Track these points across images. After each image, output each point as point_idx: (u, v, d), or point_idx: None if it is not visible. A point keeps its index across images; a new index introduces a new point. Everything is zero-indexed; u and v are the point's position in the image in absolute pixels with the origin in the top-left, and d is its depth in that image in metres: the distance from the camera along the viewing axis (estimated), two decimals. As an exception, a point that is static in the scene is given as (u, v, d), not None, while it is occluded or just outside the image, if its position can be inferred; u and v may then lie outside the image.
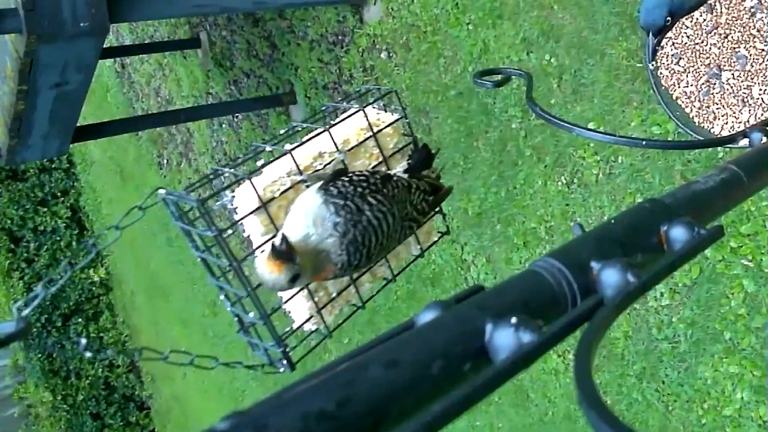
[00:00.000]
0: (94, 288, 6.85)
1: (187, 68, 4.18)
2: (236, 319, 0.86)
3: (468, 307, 0.34)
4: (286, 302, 0.86)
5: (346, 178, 0.80)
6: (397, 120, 0.94)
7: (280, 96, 3.21)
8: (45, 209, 6.82)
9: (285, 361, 0.82)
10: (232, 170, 0.82)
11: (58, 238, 6.77)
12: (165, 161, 4.91)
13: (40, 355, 6.53)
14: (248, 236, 0.84)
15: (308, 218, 0.76)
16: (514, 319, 0.32)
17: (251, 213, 0.81)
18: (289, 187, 0.83)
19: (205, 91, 4.03)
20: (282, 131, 0.90)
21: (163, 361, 0.79)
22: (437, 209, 0.94)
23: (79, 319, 6.70)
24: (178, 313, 5.39)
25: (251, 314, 0.84)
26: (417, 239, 0.95)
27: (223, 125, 3.93)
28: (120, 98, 5.53)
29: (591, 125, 2.01)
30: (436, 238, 0.98)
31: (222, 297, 0.85)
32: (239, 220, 0.82)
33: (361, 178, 0.80)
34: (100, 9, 2.07)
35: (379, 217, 0.78)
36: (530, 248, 2.27)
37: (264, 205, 0.81)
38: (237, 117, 3.75)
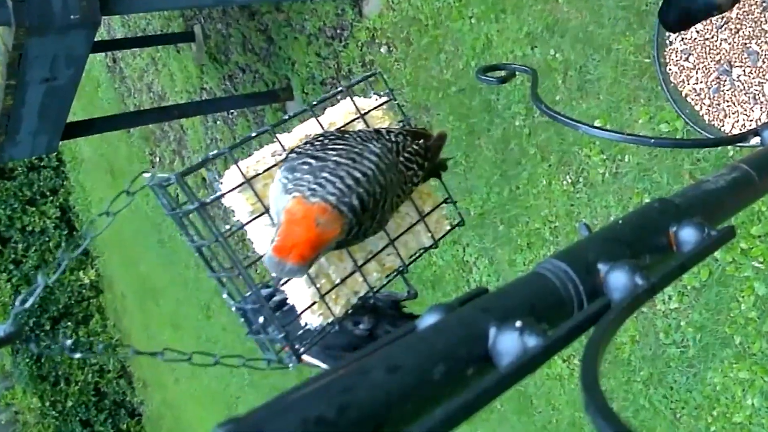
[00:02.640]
0: (83, 290, 6.85)
1: (181, 63, 4.18)
2: (242, 320, 0.86)
3: (471, 310, 0.34)
4: (283, 285, 0.85)
5: (302, 142, 0.82)
6: (384, 102, 0.95)
7: (277, 92, 3.21)
8: (33, 209, 6.82)
9: (293, 356, 0.82)
10: (218, 151, 0.84)
11: (47, 239, 6.77)
12: (157, 159, 4.90)
13: (27, 360, 6.52)
14: (238, 220, 0.85)
15: (273, 193, 0.78)
16: (518, 323, 0.32)
17: (234, 189, 0.82)
18: (273, 165, 0.84)
19: (199, 86, 4.03)
20: (268, 127, 0.90)
21: (160, 360, 0.79)
22: (438, 165, 0.93)
23: (69, 323, 6.70)
24: (170, 317, 5.39)
25: (252, 303, 0.84)
26: (427, 227, 0.94)
27: (218, 122, 3.93)
28: (111, 94, 5.52)
29: (597, 123, 2.01)
30: (448, 227, 0.97)
31: (225, 296, 0.85)
32: (223, 194, 0.83)
33: (317, 135, 0.82)
34: (92, 1, 2.07)
35: (352, 155, 0.77)
36: (534, 250, 2.27)
37: (248, 181, 0.83)
38: (232, 113, 3.75)
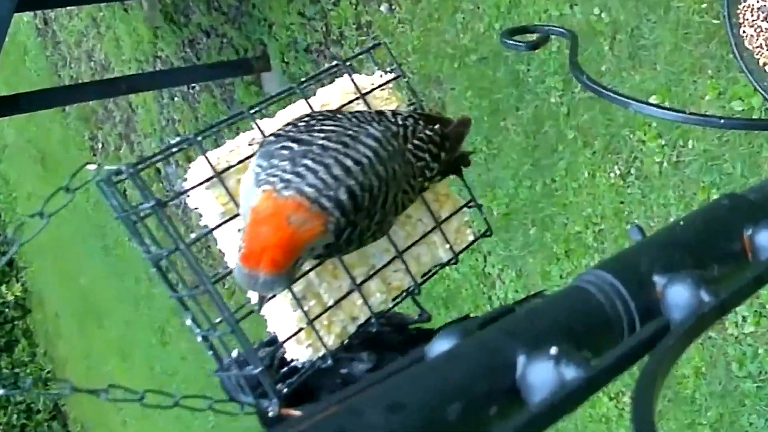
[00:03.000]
0: (6, 310, 6.84)
1: (129, 24, 4.19)
2: (210, 352, 0.86)
3: (494, 333, 0.34)
4: (265, 303, 0.85)
5: (284, 123, 0.83)
6: (392, 79, 0.96)
7: (250, 61, 3.21)
8: (-57, 208, 6.83)
9: (274, 397, 0.82)
10: (182, 137, 0.85)
11: (-40, 246, 6.77)
12: (99, 145, 4.91)
13: (-64, 397, 6.53)
14: (205, 225, 0.85)
15: (243, 187, 0.79)
16: (553, 350, 0.32)
17: (201, 184, 0.83)
18: (250, 156, 0.84)
19: (153, 54, 4.03)
20: (244, 109, 0.90)
21: (104, 399, 0.79)
22: (458, 159, 0.93)
23: (-12, 351, 6.70)
24: (117, 342, 5.40)
25: (217, 332, 0.84)
26: (445, 237, 0.94)
27: (176, 98, 3.93)
28: (42, 63, 5.53)
29: (653, 99, 2.01)
30: (471, 238, 0.98)
31: (189, 321, 0.85)
32: (187, 191, 0.84)
33: (303, 116, 0.83)
34: (17, -53, 2.07)
35: (343, 139, 0.78)
36: (574, 259, 2.27)
37: (218, 175, 0.83)
38: (194, 88, 3.75)
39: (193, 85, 3.71)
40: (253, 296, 0.80)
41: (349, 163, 0.77)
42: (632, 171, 2.10)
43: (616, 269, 0.38)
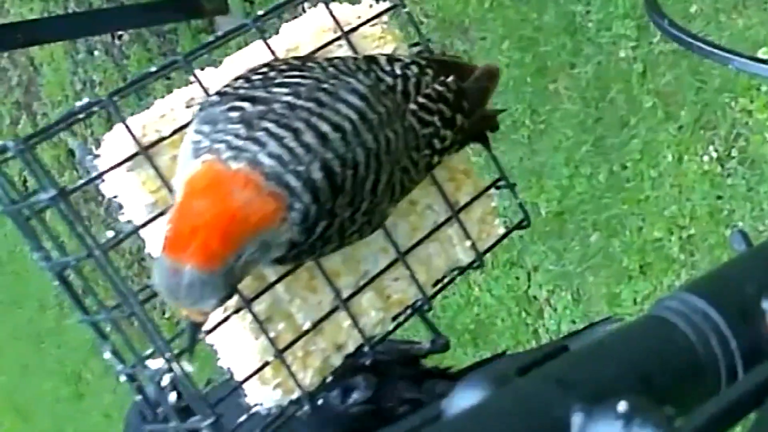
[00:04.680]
0: None
1: (30, -52, 4.19)
2: (139, 397, 0.86)
3: (539, 382, 0.35)
4: (209, 333, 0.84)
5: (233, 77, 0.82)
6: (387, 10, 0.95)
7: (199, 0, 3.21)
8: None
9: None
10: (91, 100, 0.84)
11: None
12: (-11, 117, 4.92)
13: None
14: (129, 221, 0.84)
15: (180, 163, 0.78)
16: (622, 405, 0.32)
17: (121, 164, 0.82)
18: (189, 123, 0.82)
19: (63, -10, 4.03)
20: (179, 57, 0.89)
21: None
22: (483, 122, 0.93)
23: None
24: (11, 395, 5.41)
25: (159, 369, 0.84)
26: (465, 232, 0.94)
27: (96, 53, 3.94)
28: None
29: (762, 53, 2.01)
30: (501, 231, 0.97)
31: (107, 355, 0.85)
32: (101, 174, 0.83)
33: (258, 67, 0.82)
34: None
35: (316, 95, 0.77)
36: (652, 277, 2.27)
37: (145, 150, 0.83)
38: (121, 38, 3.75)
39: (120, 33, 3.71)
40: (183, 313, 0.78)
41: (325, 128, 0.76)
42: (734, 153, 2.10)
43: (712, 293, 0.39)
